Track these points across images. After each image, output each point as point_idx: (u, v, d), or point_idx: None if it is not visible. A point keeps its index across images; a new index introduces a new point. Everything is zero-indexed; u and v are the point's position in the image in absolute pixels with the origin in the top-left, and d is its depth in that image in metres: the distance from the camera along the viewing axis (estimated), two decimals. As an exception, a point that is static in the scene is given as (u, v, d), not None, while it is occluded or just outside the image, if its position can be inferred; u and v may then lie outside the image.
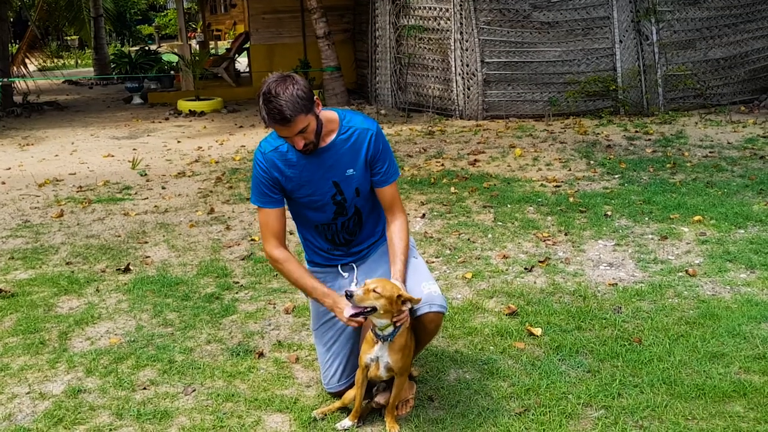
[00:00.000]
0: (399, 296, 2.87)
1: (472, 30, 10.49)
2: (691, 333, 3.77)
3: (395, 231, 3.16)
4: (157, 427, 3.14)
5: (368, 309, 2.85)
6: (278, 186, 3.10)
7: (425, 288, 3.05)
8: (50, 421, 3.19)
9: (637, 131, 9.17)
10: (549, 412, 3.14)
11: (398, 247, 3.12)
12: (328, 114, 3.09)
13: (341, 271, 3.31)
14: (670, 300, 4.21)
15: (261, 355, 3.75)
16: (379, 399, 3.15)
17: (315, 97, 2.95)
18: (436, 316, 3.02)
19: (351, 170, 3.10)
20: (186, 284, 4.74)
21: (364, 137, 3.09)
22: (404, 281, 3.05)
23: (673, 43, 10.55)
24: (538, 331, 3.87)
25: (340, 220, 3.19)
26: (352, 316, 2.87)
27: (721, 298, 4.22)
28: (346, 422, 3.10)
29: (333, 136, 3.07)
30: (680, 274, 4.60)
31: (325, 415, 3.17)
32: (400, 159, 8.11)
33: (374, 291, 2.83)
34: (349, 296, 2.82)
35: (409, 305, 2.94)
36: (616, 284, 4.48)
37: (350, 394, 3.18)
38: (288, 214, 3.21)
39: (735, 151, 7.92)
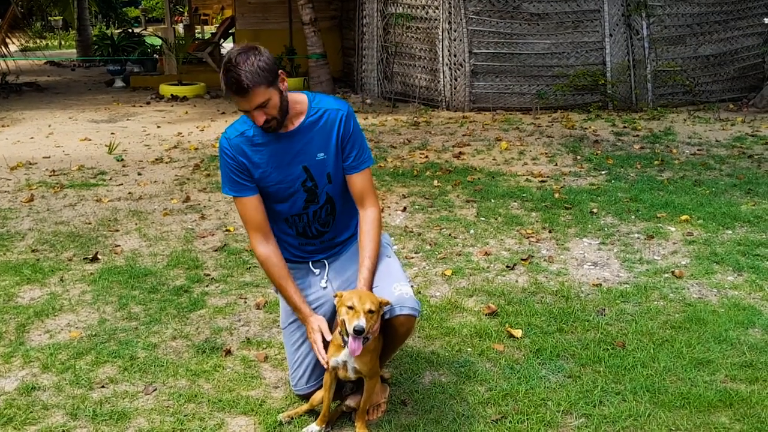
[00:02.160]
0: (381, 303, 2.75)
1: (461, 20, 10.30)
2: (676, 338, 3.63)
3: (365, 229, 2.99)
4: (113, 428, 2.97)
5: (367, 336, 2.71)
6: (247, 173, 2.94)
7: (396, 289, 2.89)
8: None
9: (625, 127, 9.04)
10: (527, 419, 2.99)
11: (367, 248, 2.96)
12: (296, 96, 2.94)
13: (312, 268, 3.16)
14: (655, 302, 4.08)
15: (228, 352, 3.58)
16: (349, 402, 2.99)
17: (280, 71, 2.80)
18: (407, 319, 2.86)
19: (322, 154, 2.94)
20: (155, 276, 4.55)
21: (334, 118, 2.94)
22: (370, 289, 2.90)
23: (663, 38, 10.41)
24: (518, 332, 3.72)
25: (312, 209, 3.02)
26: (358, 351, 2.70)
27: (707, 301, 4.08)
28: (314, 427, 2.94)
29: (302, 118, 2.92)
30: (666, 275, 4.46)
31: (292, 418, 3.01)
32: (383, 150, 7.94)
33: (369, 312, 2.68)
34: (360, 331, 2.63)
35: (382, 311, 2.79)
36: (600, 285, 4.34)
37: (318, 396, 3.02)
38: None
39: (723, 149, 7.81)
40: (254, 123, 2.83)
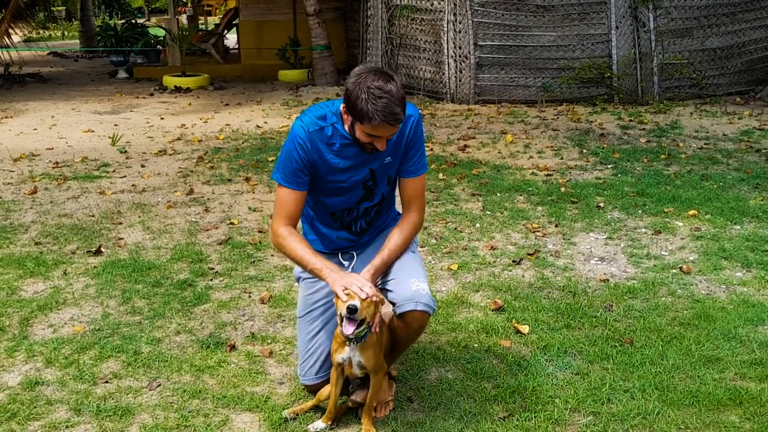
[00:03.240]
0: (377, 299, 2.72)
1: (466, 11, 10.23)
2: (685, 335, 3.60)
3: (402, 227, 2.95)
4: (117, 424, 2.94)
5: (362, 326, 2.67)
6: (311, 169, 2.86)
7: (414, 284, 2.86)
8: (3, 415, 2.98)
9: (631, 120, 8.98)
10: (534, 417, 2.96)
11: (392, 241, 2.92)
12: None
13: (342, 260, 3.11)
14: (663, 299, 4.04)
15: (233, 348, 3.55)
16: (356, 397, 2.96)
17: None
18: (421, 315, 2.83)
19: (389, 158, 2.90)
20: (158, 269, 4.52)
21: (405, 123, 2.87)
22: (374, 276, 2.87)
23: (670, 30, 10.33)
24: (525, 328, 3.69)
25: (364, 205, 2.99)
26: (350, 333, 2.67)
27: (716, 298, 4.04)
28: (319, 424, 2.92)
29: None
30: (674, 271, 4.42)
31: (297, 414, 2.98)
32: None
33: (366, 299, 2.66)
34: (353, 310, 2.61)
35: (379, 309, 2.76)
36: (608, 280, 4.30)
37: (325, 392, 2.99)
38: None
39: (730, 143, 7.75)
40: (367, 146, 2.76)
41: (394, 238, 2.94)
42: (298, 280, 3.19)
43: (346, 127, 2.82)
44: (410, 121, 2.90)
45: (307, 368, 3.08)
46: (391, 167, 2.94)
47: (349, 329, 2.66)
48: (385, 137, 2.73)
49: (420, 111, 2.97)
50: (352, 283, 2.70)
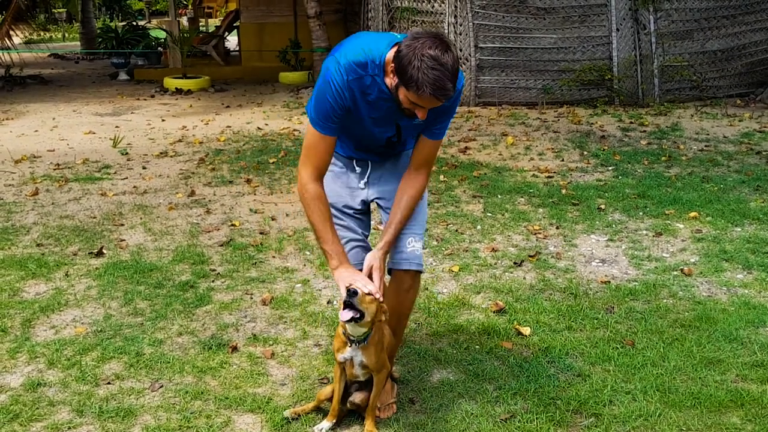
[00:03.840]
0: (379, 302, 2.73)
1: (467, 14, 10.24)
2: (686, 337, 3.60)
3: (409, 192, 2.90)
4: (119, 425, 2.95)
5: (359, 315, 2.67)
6: (344, 114, 2.77)
7: (410, 245, 2.94)
8: (5, 416, 2.99)
9: (632, 122, 8.99)
10: (536, 419, 2.96)
11: (401, 211, 2.89)
12: None
13: (355, 165, 3.08)
14: (664, 300, 4.04)
15: (234, 349, 3.55)
16: (354, 399, 2.96)
17: None
18: (412, 276, 2.95)
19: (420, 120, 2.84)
20: (160, 271, 4.53)
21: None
22: (386, 253, 2.90)
23: (670, 33, 10.35)
24: (526, 330, 3.69)
25: (388, 142, 2.98)
26: (347, 320, 2.66)
27: (717, 299, 4.05)
28: (325, 423, 2.92)
29: None
30: (675, 272, 4.43)
31: (298, 415, 2.99)
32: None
33: (369, 294, 2.67)
34: (353, 294, 2.62)
35: (384, 317, 2.77)
36: (609, 282, 4.31)
37: (325, 392, 3.00)
38: None
39: (731, 145, 7.76)
40: (407, 110, 2.67)
41: (404, 203, 2.89)
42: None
43: (388, 82, 2.68)
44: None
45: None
46: (419, 127, 2.87)
47: (346, 315, 2.64)
48: (429, 107, 2.63)
49: (463, 77, 2.83)
50: (356, 280, 2.71)
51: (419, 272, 3.00)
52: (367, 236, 3.13)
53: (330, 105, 2.72)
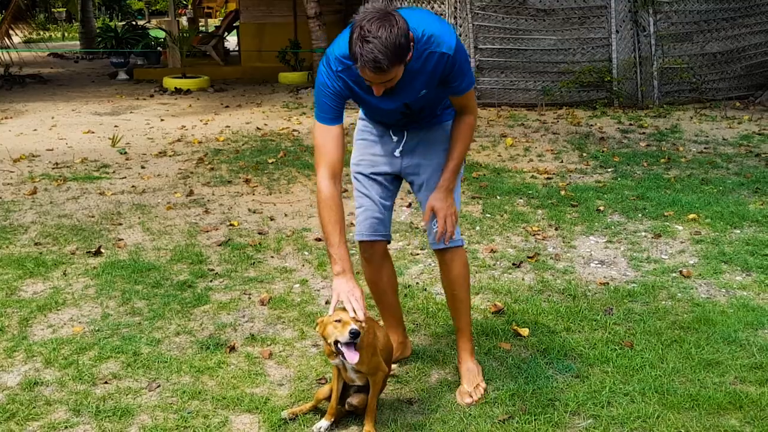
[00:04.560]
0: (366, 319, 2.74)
1: (467, 15, 10.24)
2: (685, 338, 3.59)
3: (458, 131, 2.97)
4: (116, 425, 2.94)
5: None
6: (343, 100, 2.82)
7: (435, 226, 3.01)
8: (2, 415, 2.98)
9: (631, 124, 8.99)
10: (534, 420, 2.95)
11: (455, 150, 2.97)
12: None
13: (392, 134, 3.10)
14: (663, 302, 4.04)
15: (232, 349, 3.54)
16: (352, 400, 2.95)
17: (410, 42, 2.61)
18: (438, 253, 3.12)
19: (424, 91, 2.85)
20: (158, 270, 4.52)
21: (438, 60, 2.75)
22: (450, 191, 2.98)
23: (670, 35, 10.34)
24: (525, 331, 3.68)
25: (405, 118, 3.02)
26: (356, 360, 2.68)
27: (716, 301, 4.04)
28: (323, 423, 2.91)
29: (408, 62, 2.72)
30: (674, 274, 4.42)
31: (296, 416, 2.98)
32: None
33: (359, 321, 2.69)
34: (356, 334, 2.62)
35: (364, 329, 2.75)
36: (608, 283, 4.30)
37: (323, 392, 3.00)
38: None
39: (730, 147, 7.75)
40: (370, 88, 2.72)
41: (456, 146, 2.96)
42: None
43: None
44: (444, 60, 2.75)
45: (358, 224, 3.19)
46: (427, 97, 2.88)
47: (353, 357, 2.65)
48: (377, 83, 2.61)
49: (458, 38, 2.81)
50: (349, 300, 2.69)
51: (453, 248, 3.08)
52: (387, 207, 3.17)
53: (327, 96, 2.80)
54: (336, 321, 2.68)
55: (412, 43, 2.64)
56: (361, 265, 3.36)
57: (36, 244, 5.00)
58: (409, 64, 2.69)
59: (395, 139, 3.11)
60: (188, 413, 3.01)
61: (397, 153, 3.10)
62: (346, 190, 5.20)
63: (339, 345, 2.68)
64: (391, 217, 3.25)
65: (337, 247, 2.77)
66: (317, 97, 2.83)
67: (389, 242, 3.28)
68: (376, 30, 2.49)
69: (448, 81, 2.84)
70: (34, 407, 3.05)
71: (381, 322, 3.35)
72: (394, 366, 3.26)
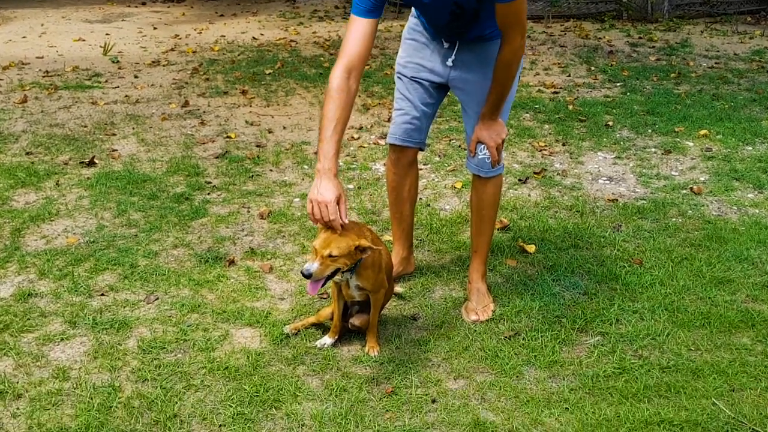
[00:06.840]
0: (357, 247, 2.53)
1: None
2: (695, 256, 3.51)
3: (499, 57, 2.72)
4: (114, 337, 2.87)
5: (330, 275, 2.53)
6: None
7: (482, 152, 2.94)
8: (-4, 327, 2.91)
9: (640, 38, 8.70)
10: (541, 336, 2.89)
11: (495, 81, 2.77)
12: None
13: (444, 41, 2.94)
14: (673, 219, 3.94)
15: (231, 263, 3.45)
16: (355, 321, 2.88)
17: None
18: (475, 176, 3.04)
19: None
20: (154, 182, 4.38)
21: None
22: (494, 119, 2.87)
23: (684, -56, 9.92)
24: (531, 248, 3.59)
25: (455, 21, 2.80)
26: (316, 292, 2.55)
27: (727, 219, 3.94)
28: (326, 339, 2.85)
29: None
30: (684, 191, 4.31)
31: (298, 330, 2.91)
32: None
33: (330, 257, 2.48)
34: (307, 276, 2.46)
35: (368, 252, 2.59)
36: (616, 200, 4.19)
37: (325, 313, 2.92)
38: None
39: (741, 62, 7.52)
40: None
41: (496, 78, 2.77)
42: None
43: None
44: None
45: (392, 126, 3.09)
46: None
47: (309, 287, 2.52)
48: None
49: None
50: (318, 202, 2.47)
51: (492, 176, 3.02)
52: (427, 114, 3.05)
53: None
54: (314, 246, 2.53)
55: None
56: (386, 169, 3.24)
57: (27, 153, 4.84)
58: None
59: (446, 45, 2.92)
60: (188, 326, 2.94)
61: (449, 62, 2.92)
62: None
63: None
64: (429, 125, 3.12)
65: (326, 142, 2.56)
66: None
67: (422, 150, 3.15)
68: None
69: None
70: (28, 319, 2.97)
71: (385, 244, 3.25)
72: (399, 288, 3.18)
